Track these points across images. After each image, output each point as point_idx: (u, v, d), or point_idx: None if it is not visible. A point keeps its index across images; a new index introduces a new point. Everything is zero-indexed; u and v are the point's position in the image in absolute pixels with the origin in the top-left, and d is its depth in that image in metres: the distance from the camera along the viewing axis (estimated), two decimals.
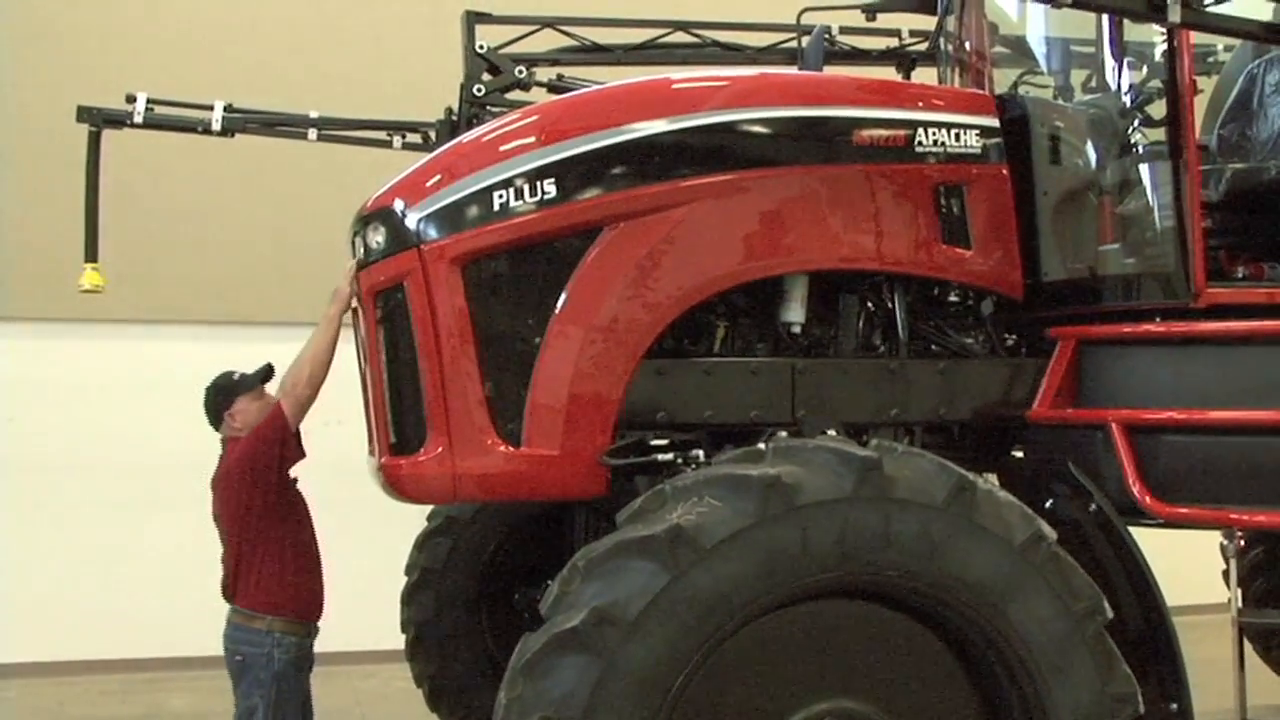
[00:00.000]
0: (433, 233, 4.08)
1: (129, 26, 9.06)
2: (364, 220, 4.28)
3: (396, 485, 4.23)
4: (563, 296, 4.09)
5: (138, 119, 6.42)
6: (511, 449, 4.06)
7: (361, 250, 4.28)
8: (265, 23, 9.28)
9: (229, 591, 5.02)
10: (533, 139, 4.17)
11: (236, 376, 5.14)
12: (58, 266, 7.09)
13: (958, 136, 4.44)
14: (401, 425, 4.19)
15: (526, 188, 4.06)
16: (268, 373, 5.10)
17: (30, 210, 8.71)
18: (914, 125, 4.39)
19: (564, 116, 4.34)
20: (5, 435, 8.75)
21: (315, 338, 4.70)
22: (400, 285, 4.11)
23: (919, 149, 4.39)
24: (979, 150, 4.48)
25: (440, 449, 4.06)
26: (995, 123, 4.53)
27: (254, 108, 6.83)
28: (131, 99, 6.37)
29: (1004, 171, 4.52)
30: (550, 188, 4.07)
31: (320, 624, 5.11)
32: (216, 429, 5.15)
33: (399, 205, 4.16)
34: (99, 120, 6.31)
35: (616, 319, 4.11)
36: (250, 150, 7.46)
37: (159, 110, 6.52)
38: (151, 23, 9.13)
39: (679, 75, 4.80)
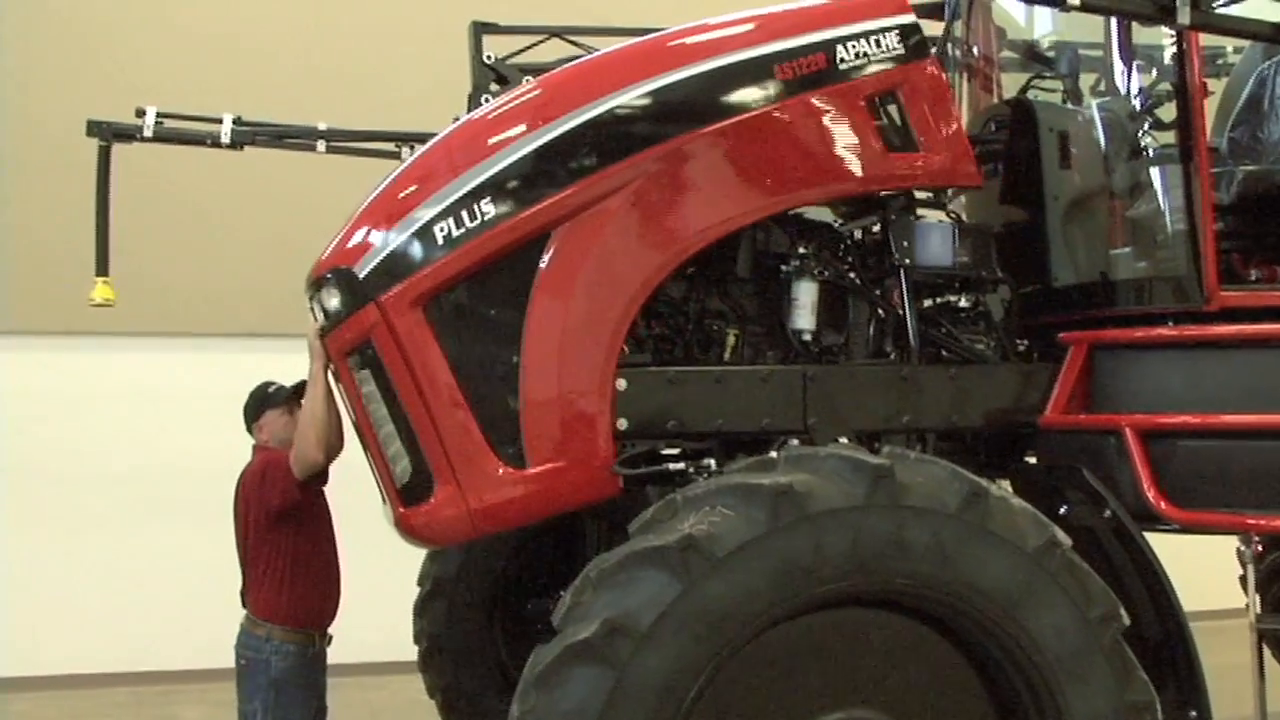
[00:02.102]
0: (387, 282, 4.00)
1: (137, 39, 9.11)
2: (316, 285, 4.20)
3: (416, 534, 4.19)
4: (529, 308, 4.03)
5: (147, 133, 6.41)
6: (519, 472, 4.01)
7: (321, 315, 4.20)
8: (273, 35, 9.31)
9: (243, 597, 5.05)
10: (453, 166, 4.10)
11: (271, 389, 5.21)
12: (65, 280, 7.09)
13: (878, 43, 4.31)
14: (406, 476, 4.13)
15: (465, 214, 3.99)
16: (300, 389, 5.12)
17: (38, 223, 8.74)
18: (831, 44, 4.27)
19: (473, 136, 4.24)
20: (17, 448, 8.78)
21: (307, 402, 4.66)
22: (369, 341, 4.05)
23: (842, 65, 4.27)
24: (903, 50, 4.34)
25: (450, 491, 4.01)
26: (912, 19, 4.40)
27: (263, 120, 6.84)
28: (141, 113, 6.38)
29: (932, 64, 4.40)
30: (488, 207, 4.00)
31: (334, 634, 5.11)
32: (250, 434, 5.23)
33: (346, 263, 4.07)
34: (109, 134, 6.31)
35: (588, 316, 4.06)
36: (257, 162, 7.47)
37: (168, 124, 6.53)
38: (160, 36, 9.18)
39: (571, 65, 4.62)
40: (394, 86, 8.73)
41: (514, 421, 4.02)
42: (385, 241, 4.04)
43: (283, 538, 4.97)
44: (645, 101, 4.14)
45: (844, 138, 4.29)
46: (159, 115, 6.44)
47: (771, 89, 4.20)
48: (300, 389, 5.11)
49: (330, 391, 4.54)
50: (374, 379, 4.09)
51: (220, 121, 6.56)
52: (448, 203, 4.01)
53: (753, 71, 4.21)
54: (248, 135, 6.65)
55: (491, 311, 4.06)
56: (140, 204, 7.96)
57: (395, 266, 4.01)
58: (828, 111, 4.26)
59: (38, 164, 8.72)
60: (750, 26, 4.34)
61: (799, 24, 4.34)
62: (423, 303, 4.00)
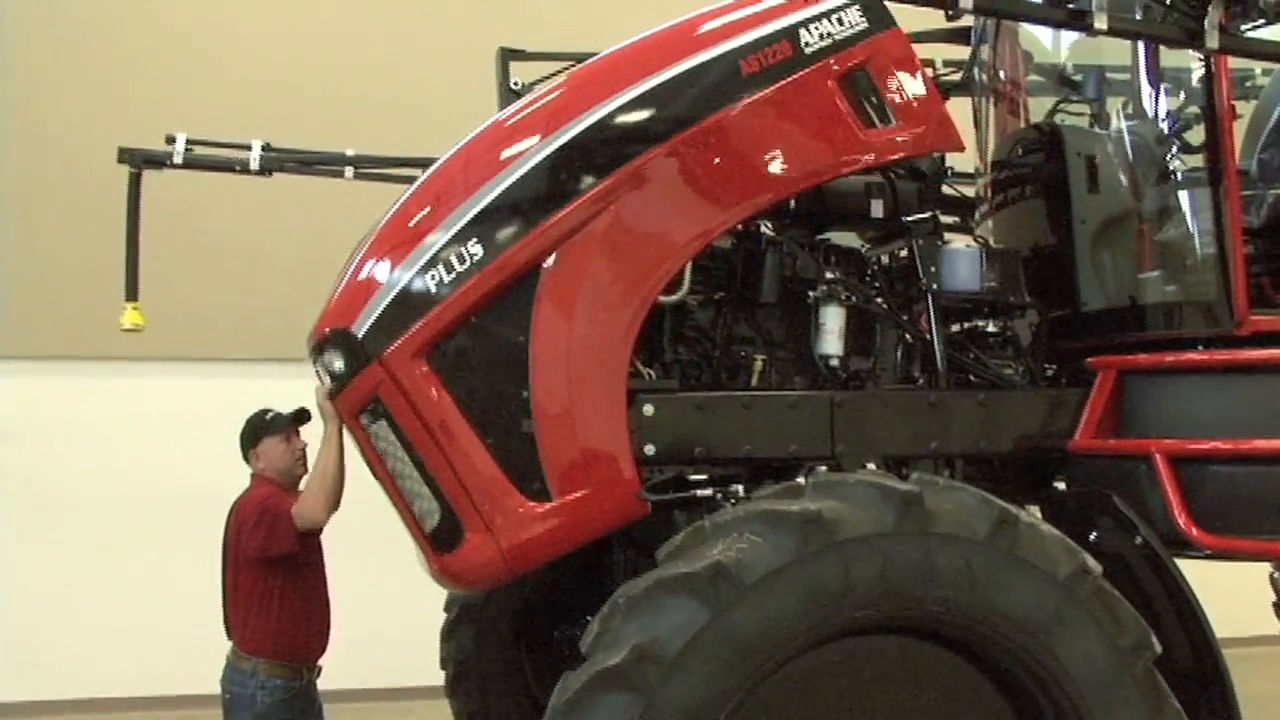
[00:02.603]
0: (386, 338, 4.01)
1: (157, 62, 9.20)
2: (318, 349, 4.21)
3: (454, 581, 4.23)
4: (531, 340, 4.03)
5: (177, 159, 6.47)
6: (545, 505, 4.01)
7: (327, 378, 4.21)
8: (301, 62, 9.39)
9: (227, 629, 5.06)
10: (435, 210, 4.10)
11: (269, 416, 5.20)
12: (84, 304, 7.15)
13: (840, 20, 4.27)
14: (434, 525, 4.15)
15: (454, 258, 4.00)
16: (299, 416, 5.13)
17: (56, 248, 8.83)
18: (793, 30, 4.23)
19: (456, 176, 4.23)
20: (41, 472, 8.85)
21: (320, 462, 4.68)
22: (377, 398, 4.06)
23: (808, 49, 4.22)
24: (866, 24, 4.29)
25: (480, 535, 4.02)
26: None
27: (291, 146, 6.88)
28: (171, 140, 6.43)
29: (897, 34, 4.34)
30: (476, 248, 4.00)
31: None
32: (247, 463, 5.23)
33: (344, 322, 4.08)
34: (139, 161, 6.36)
35: (590, 340, 4.05)
36: (283, 187, 7.52)
37: (197, 150, 6.59)
38: (181, 61, 9.26)
39: (541, 90, 4.59)
40: (421, 112, 8.77)
41: (533, 456, 4.01)
42: (380, 296, 4.04)
43: (272, 573, 4.97)
44: (614, 118, 4.11)
45: (818, 121, 4.24)
46: (188, 142, 6.50)
47: (739, 85, 4.17)
48: (299, 415, 5.13)
49: (341, 453, 4.56)
50: (390, 433, 4.09)
51: (249, 148, 6.62)
52: (438, 248, 4.01)
53: (718, 71, 4.17)
54: (276, 162, 6.70)
55: (495, 348, 4.04)
56: (163, 229, 8.05)
57: (393, 320, 4.01)
58: (799, 98, 4.21)
59: (57, 188, 8.81)
60: (710, 24, 4.30)
61: (759, 15, 4.29)
62: (425, 351, 4.00)
